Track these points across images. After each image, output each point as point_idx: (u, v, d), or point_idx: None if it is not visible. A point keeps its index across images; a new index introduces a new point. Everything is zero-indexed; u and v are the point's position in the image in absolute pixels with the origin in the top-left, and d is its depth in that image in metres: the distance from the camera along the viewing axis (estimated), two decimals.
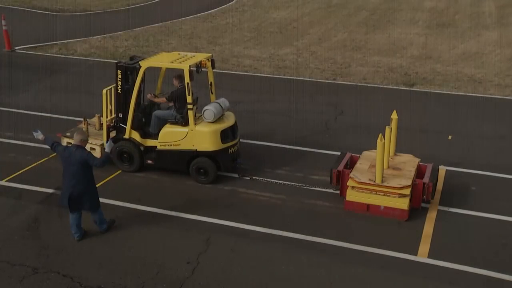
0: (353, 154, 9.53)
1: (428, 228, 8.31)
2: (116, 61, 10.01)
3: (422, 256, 7.65)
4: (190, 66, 9.19)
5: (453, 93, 14.76)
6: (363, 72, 16.58)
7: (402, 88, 15.19)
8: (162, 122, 9.76)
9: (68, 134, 10.43)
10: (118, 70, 9.56)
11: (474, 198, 9.19)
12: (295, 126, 12.31)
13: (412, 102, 13.94)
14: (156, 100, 10.00)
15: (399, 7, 27.95)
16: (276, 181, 9.66)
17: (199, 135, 9.34)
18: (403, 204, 8.39)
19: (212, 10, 27.26)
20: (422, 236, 8.10)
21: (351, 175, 8.70)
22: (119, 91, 9.67)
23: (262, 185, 9.56)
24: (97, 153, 9.94)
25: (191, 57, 9.74)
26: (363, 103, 13.85)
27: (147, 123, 9.93)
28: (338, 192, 9.12)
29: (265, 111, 13.23)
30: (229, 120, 9.72)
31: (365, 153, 9.43)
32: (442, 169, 10.12)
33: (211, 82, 10.08)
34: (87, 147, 9.62)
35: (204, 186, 9.55)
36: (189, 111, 9.34)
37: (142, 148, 9.78)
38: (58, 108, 13.05)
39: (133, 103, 9.57)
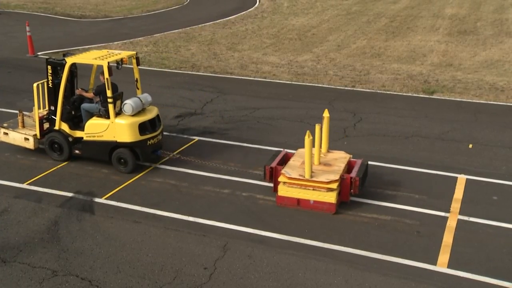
0: (288, 151, 9.87)
1: (448, 237, 8.21)
2: (46, 58, 10.66)
3: (442, 266, 7.55)
4: (109, 62, 9.82)
5: (474, 101, 14.58)
6: (383, 79, 16.49)
7: (422, 95, 15.07)
8: (90, 114, 10.38)
9: (5, 125, 11.05)
10: (48, 66, 10.34)
11: (495, 208, 9.04)
12: (314, 133, 12.25)
13: (432, 110, 13.80)
14: (85, 94, 10.58)
15: (419, 14, 27.77)
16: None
17: (118, 127, 9.98)
18: (331, 198, 8.76)
19: (232, 17, 27.41)
20: (441, 246, 8.00)
21: (282, 171, 9.02)
22: (50, 85, 10.44)
23: None
24: (30, 144, 10.64)
25: (116, 55, 10.33)
26: (382, 110, 13.76)
27: (77, 116, 10.59)
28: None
29: (283, 117, 13.22)
30: (150, 114, 10.35)
31: (300, 150, 9.74)
32: (463, 178, 9.99)
33: (136, 78, 10.73)
34: (22, 137, 10.61)
35: (221, 192, 9.58)
36: (109, 105, 9.93)
37: (70, 139, 10.45)
38: None
39: (61, 96, 10.25)
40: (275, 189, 9.29)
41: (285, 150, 9.99)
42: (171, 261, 7.63)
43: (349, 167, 9.38)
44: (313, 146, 9.10)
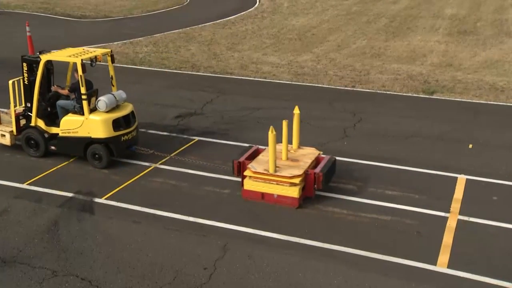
0: (259, 147, 9.98)
1: (448, 237, 8.21)
2: (21, 55, 10.75)
3: (442, 266, 7.55)
4: (82, 60, 9.98)
5: (474, 101, 14.58)
6: (382, 80, 16.49)
7: (422, 96, 15.07)
8: (66, 111, 10.56)
9: None
10: (23, 63, 10.48)
11: (495, 208, 9.04)
12: (314, 133, 12.27)
13: (432, 110, 13.81)
14: (61, 91, 10.71)
15: (419, 14, 27.77)
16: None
17: (92, 123, 10.16)
18: (294, 192, 8.89)
19: (232, 17, 27.41)
20: (441, 246, 8.00)
21: (249, 165, 9.18)
22: (25, 82, 10.59)
23: None
24: (6, 140, 10.85)
25: (91, 52, 10.47)
26: (382, 110, 13.76)
27: (53, 112, 10.75)
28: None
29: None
30: (124, 110, 10.50)
31: None
32: (463, 178, 9.99)
33: (111, 76, 10.88)
34: None
35: (221, 192, 9.57)
36: (83, 101, 10.11)
37: (46, 135, 10.62)
38: None
39: (37, 93, 10.39)
40: (242, 183, 9.37)
41: (257, 146, 10.11)
42: (171, 261, 7.63)
43: (317, 162, 9.48)
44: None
